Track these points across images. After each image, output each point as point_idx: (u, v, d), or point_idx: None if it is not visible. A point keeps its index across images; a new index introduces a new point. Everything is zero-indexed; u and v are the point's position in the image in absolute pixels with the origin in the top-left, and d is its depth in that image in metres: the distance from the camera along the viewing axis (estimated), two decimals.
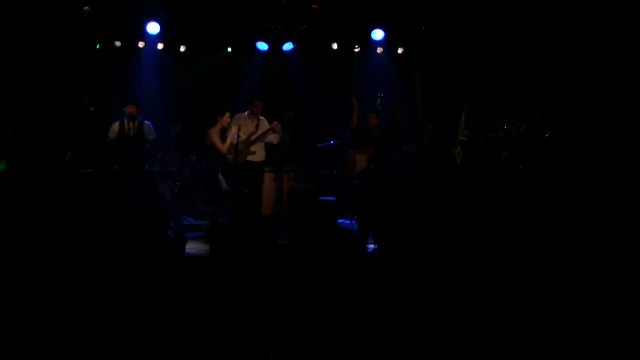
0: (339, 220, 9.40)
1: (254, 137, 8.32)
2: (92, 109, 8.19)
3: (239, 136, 8.21)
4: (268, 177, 9.10)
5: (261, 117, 8.49)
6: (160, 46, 9.93)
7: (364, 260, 4.33)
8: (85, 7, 8.74)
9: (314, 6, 9.47)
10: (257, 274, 3.98)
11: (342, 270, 4.08)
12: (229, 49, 10.43)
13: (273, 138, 8.43)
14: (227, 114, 8.13)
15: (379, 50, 10.30)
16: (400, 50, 10.39)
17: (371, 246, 6.80)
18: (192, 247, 6.75)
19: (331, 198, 9.45)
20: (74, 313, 3.67)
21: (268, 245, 4.30)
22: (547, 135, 8.66)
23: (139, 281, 3.90)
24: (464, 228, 5.04)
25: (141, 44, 9.81)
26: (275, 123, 8.34)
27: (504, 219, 6.50)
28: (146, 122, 8.30)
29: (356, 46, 10.44)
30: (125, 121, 8.14)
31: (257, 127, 8.39)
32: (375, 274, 4.15)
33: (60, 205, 7.52)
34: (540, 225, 5.84)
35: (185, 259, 4.59)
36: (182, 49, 10.17)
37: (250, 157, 8.33)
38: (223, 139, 8.13)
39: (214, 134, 8.04)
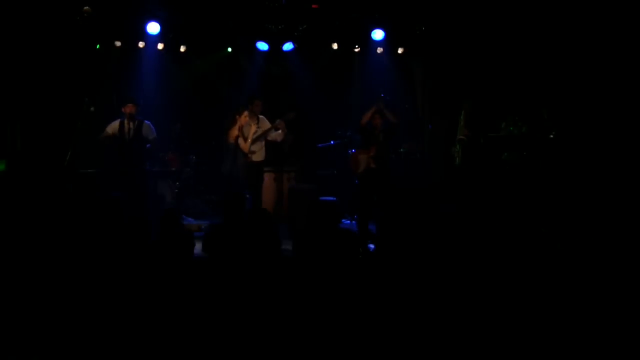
0: None
1: (254, 136, 8.32)
2: (92, 109, 8.18)
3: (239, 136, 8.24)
4: (268, 177, 9.10)
5: (261, 117, 8.49)
6: (160, 46, 9.93)
7: (364, 260, 4.33)
8: (85, 7, 8.74)
9: (314, 6, 9.46)
10: (256, 275, 3.97)
11: (343, 270, 4.08)
12: (229, 49, 10.43)
13: (276, 136, 8.42)
14: (245, 113, 8.12)
15: (379, 50, 10.30)
16: (400, 50, 10.39)
17: (372, 246, 6.81)
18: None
19: (331, 198, 9.45)
20: (76, 312, 3.67)
21: (271, 247, 4.31)
22: (551, 136, 8.66)
23: (144, 279, 3.89)
24: (464, 228, 5.04)
25: (141, 44, 9.80)
26: (279, 121, 8.33)
27: (503, 220, 6.50)
28: (146, 121, 8.28)
29: (356, 46, 10.43)
30: (125, 121, 8.13)
31: (257, 126, 8.39)
32: (376, 274, 4.15)
33: (61, 205, 7.51)
34: (540, 226, 5.85)
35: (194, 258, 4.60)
36: (182, 49, 10.16)
37: (250, 157, 8.33)
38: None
39: (235, 133, 8.04)
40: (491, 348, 3.56)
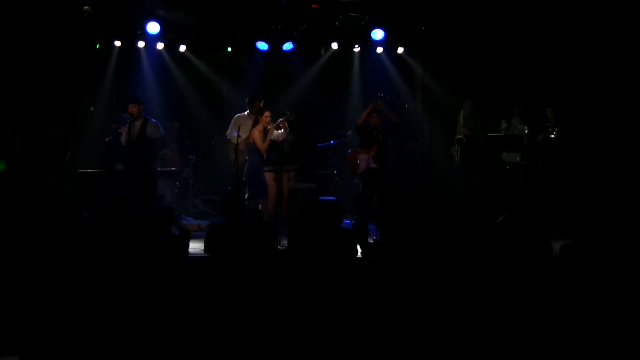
0: None
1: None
2: (92, 109, 8.17)
3: (239, 136, 8.21)
4: (268, 177, 9.10)
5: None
6: (160, 46, 9.93)
7: (365, 259, 4.34)
8: (85, 7, 8.73)
9: (314, 6, 9.46)
10: (255, 274, 3.97)
11: (342, 269, 4.08)
12: (229, 49, 10.42)
13: (278, 136, 8.39)
14: (268, 114, 8.07)
15: (379, 50, 10.29)
16: (400, 50, 10.39)
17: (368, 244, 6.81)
18: (192, 247, 6.72)
19: (331, 198, 9.45)
20: (76, 312, 3.67)
21: (269, 246, 4.30)
22: (552, 135, 8.67)
23: (143, 279, 3.89)
24: (464, 228, 5.04)
25: (141, 44, 9.80)
26: (281, 120, 8.31)
27: (503, 219, 6.49)
28: (153, 120, 8.21)
29: (356, 46, 10.43)
30: (131, 121, 8.10)
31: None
32: (375, 274, 4.15)
33: (60, 205, 7.49)
34: (541, 226, 5.84)
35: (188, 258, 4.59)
36: (182, 49, 10.16)
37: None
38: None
39: (257, 133, 8.01)
40: (491, 349, 3.56)
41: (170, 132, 9.86)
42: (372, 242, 7.37)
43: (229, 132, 8.55)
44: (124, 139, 8.13)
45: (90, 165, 8.62)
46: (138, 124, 8.09)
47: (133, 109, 8.08)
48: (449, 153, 9.51)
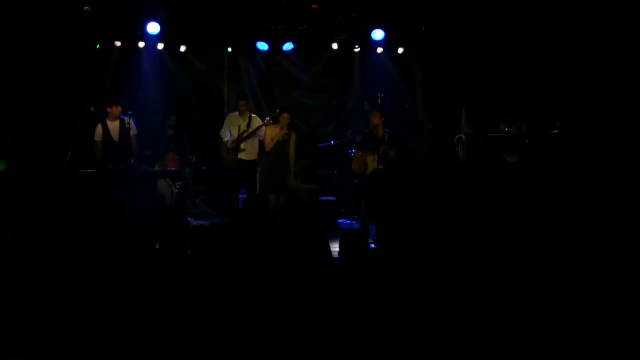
0: (339, 220, 9.42)
1: (245, 135, 8.35)
2: (92, 109, 8.17)
3: (231, 135, 8.37)
4: None
5: (253, 115, 8.59)
6: (160, 46, 9.91)
7: (368, 259, 4.32)
8: (85, 7, 8.72)
9: (314, 6, 9.45)
10: (252, 273, 3.96)
11: (346, 269, 4.07)
12: (229, 49, 10.42)
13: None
14: (284, 115, 8.22)
15: (379, 50, 10.28)
16: (400, 50, 10.38)
17: (374, 246, 6.78)
18: None
19: (331, 198, 9.46)
20: (75, 312, 3.66)
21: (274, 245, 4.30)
22: (553, 134, 8.67)
23: (140, 279, 3.88)
24: (468, 227, 5.03)
25: (141, 44, 9.78)
26: (267, 119, 8.39)
27: (506, 218, 6.49)
28: (123, 117, 8.20)
29: (356, 46, 10.42)
30: (107, 122, 8.12)
31: (248, 125, 8.43)
32: (378, 273, 4.14)
33: (60, 205, 7.49)
34: (544, 224, 5.84)
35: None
36: (182, 49, 10.14)
37: (240, 155, 8.41)
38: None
39: (269, 132, 8.23)
40: (492, 349, 3.55)
41: (166, 126, 9.93)
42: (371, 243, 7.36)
43: (221, 130, 8.66)
44: (99, 139, 8.15)
45: (90, 165, 8.61)
46: (115, 123, 8.11)
47: (112, 110, 8.08)
48: (450, 152, 9.50)
